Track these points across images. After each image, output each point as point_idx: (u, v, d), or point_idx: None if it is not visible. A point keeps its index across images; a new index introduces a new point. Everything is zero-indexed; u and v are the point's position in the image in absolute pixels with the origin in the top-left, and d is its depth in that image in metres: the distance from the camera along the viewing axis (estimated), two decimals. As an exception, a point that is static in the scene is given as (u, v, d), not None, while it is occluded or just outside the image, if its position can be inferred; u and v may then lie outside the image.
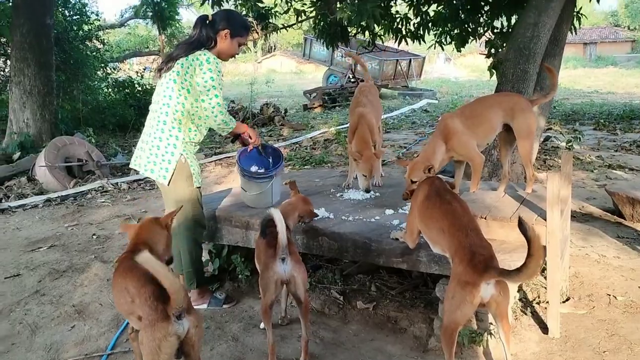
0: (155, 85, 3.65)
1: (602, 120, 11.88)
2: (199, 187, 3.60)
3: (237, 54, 3.67)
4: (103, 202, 6.93)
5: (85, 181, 7.79)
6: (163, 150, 3.40)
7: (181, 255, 3.65)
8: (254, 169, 3.98)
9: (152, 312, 2.24)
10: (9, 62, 10.49)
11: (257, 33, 9.01)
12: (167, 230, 2.84)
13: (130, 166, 3.68)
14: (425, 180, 3.11)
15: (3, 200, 7.00)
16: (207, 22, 3.43)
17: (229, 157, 9.32)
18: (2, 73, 12.00)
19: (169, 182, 3.43)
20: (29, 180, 7.80)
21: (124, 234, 2.85)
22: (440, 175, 3.49)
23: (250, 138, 3.76)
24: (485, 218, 3.37)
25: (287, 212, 3.24)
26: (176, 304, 2.20)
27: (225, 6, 7.57)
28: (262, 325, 3.41)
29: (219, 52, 3.46)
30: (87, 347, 3.34)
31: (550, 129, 10.59)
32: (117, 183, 7.74)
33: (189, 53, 3.35)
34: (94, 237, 5.40)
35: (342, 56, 19.62)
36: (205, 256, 4.11)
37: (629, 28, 45.46)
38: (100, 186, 7.50)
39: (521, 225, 2.39)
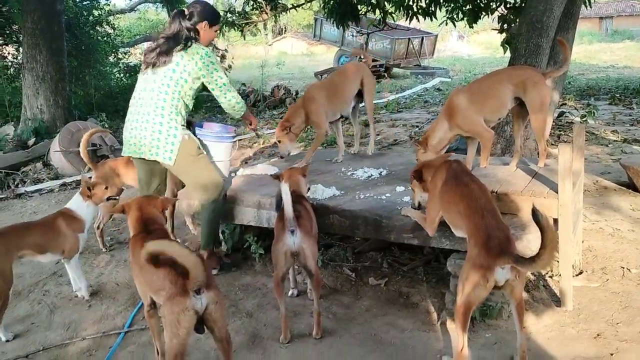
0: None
1: (617, 95, 11.66)
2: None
3: (215, 38, 4.03)
4: (117, 185, 6.98)
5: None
6: (165, 134, 3.57)
7: (202, 218, 3.87)
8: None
9: (172, 287, 2.32)
10: (21, 49, 10.53)
11: (267, 14, 8.97)
12: (163, 212, 2.99)
13: (127, 155, 3.78)
14: (443, 165, 3.06)
15: (20, 186, 7.10)
16: (185, 16, 3.66)
17: (240, 139, 9.34)
18: (15, 60, 12.07)
19: (175, 162, 3.60)
20: (44, 165, 7.89)
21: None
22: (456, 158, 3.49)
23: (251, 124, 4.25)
24: (496, 192, 3.36)
25: (295, 183, 3.31)
26: (195, 278, 2.25)
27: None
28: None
29: (202, 41, 3.72)
30: (104, 325, 3.41)
31: (565, 104, 10.44)
32: (130, 167, 7.79)
33: (177, 45, 3.56)
34: (110, 219, 5.46)
35: (353, 36, 19.45)
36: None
37: (646, 1, 44.36)
38: (115, 170, 7.56)
39: (535, 215, 2.32)
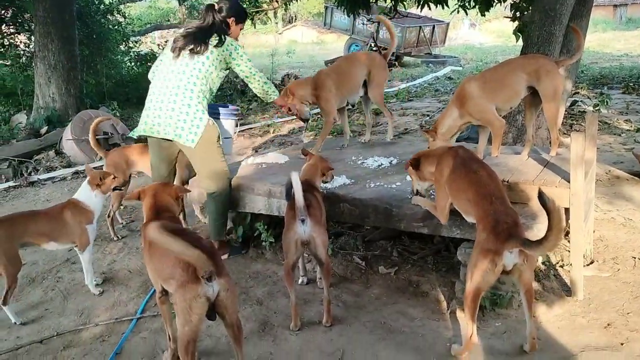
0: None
1: (631, 84, 11.50)
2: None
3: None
4: (129, 173, 7.03)
5: (112, 154, 7.90)
6: (192, 116, 3.62)
7: (209, 209, 3.93)
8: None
9: (183, 274, 2.34)
10: (33, 38, 10.56)
11: (277, 2, 8.94)
12: (177, 200, 3.00)
13: (142, 134, 3.80)
14: (449, 152, 3.04)
15: (32, 174, 7.17)
16: (216, 10, 3.78)
17: (251, 127, 9.35)
18: (27, 49, 12.11)
19: (196, 145, 3.65)
20: (56, 153, 7.96)
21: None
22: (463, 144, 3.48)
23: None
24: (507, 181, 3.35)
25: (310, 173, 3.32)
26: (201, 269, 2.27)
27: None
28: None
29: (230, 36, 3.85)
30: (117, 311, 3.45)
31: (578, 93, 10.33)
32: (142, 155, 7.83)
33: (212, 36, 3.68)
34: (122, 207, 5.50)
35: (363, 24, 19.31)
36: (229, 224, 4.18)
37: (662, -12, 43.55)
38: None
39: (541, 197, 2.35)
